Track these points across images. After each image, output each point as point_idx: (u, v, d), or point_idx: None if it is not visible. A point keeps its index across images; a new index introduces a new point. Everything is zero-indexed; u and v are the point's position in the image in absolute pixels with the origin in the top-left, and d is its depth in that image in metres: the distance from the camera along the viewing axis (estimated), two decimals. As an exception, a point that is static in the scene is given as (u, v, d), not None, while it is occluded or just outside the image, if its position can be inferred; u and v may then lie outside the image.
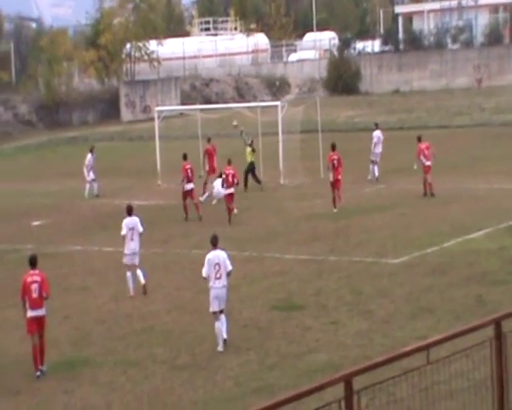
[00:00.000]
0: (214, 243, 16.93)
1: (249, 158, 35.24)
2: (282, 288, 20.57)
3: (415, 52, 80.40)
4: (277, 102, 39.77)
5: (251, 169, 35.27)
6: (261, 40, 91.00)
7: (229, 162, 29.76)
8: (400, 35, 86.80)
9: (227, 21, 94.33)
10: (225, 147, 43.60)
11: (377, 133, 36.40)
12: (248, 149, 35.39)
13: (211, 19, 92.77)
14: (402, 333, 16.53)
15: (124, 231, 20.87)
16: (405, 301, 18.78)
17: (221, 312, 16.75)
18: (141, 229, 21.02)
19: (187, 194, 29.99)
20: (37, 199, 35.38)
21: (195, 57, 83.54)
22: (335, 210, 29.33)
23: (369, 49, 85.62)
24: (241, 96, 79.31)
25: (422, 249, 23.08)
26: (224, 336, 16.76)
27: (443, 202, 29.64)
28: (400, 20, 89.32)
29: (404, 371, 8.12)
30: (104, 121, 69.62)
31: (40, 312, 16.24)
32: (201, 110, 44.89)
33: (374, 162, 35.54)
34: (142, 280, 20.70)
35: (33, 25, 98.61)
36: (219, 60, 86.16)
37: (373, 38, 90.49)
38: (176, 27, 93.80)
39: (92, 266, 24.37)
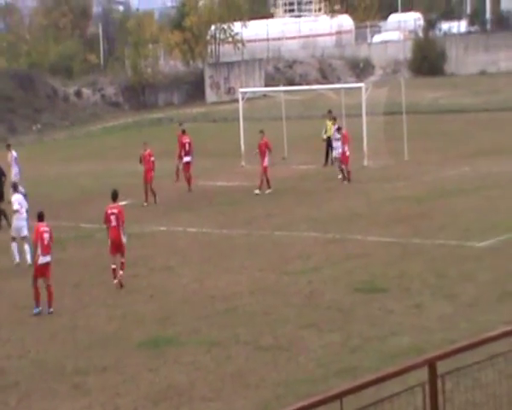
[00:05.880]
0: (16, 190, 22.83)
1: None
2: (365, 270, 20.50)
3: (502, 32, 78.67)
4: (361, 84, 39.49)
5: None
6: (345, 21, 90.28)
7: (184, 132, 33.65)
8: (487, 15, 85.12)
9: (311, 3, 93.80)
10: (309, 128, 43.58)
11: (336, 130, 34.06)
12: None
13: (295, 0, 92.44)
14: (487, 318, 16.27)
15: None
16: (491, 285, 18.52)
17: (24, 238, 22.12)
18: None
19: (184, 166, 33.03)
20: (124, 179, 35.86)
21: (279, 39, 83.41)
22: (258, 191, 31.02)
23: (454, 30, 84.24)
24: (324, 77, 78.95)
25: (509, 233, 22.68)
26: (29, 261, 21.30)
27: (530, 185, 29.07)
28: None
29: (490, 357, 8.03)
30: (189, 103, 70.12)
31: (48, 258, 18.85)
32: (285, 92, 44.84)
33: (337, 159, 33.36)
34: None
35: (120, 8, 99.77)
36: (303, 41, 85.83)
37: (459, 18, 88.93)
38: (260, 9, 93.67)
39: (176, 246, 24.66)
